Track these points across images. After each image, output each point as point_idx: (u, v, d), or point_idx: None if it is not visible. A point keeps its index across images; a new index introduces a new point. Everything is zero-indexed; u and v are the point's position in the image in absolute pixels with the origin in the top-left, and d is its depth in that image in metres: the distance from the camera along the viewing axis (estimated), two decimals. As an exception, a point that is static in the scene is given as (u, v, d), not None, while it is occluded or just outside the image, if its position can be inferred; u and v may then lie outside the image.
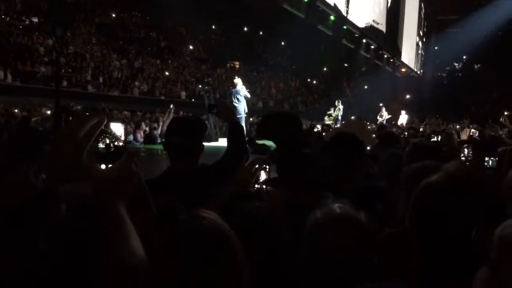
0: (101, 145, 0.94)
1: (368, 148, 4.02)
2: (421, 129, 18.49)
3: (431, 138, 7.59)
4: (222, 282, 0.88)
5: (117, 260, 0.82)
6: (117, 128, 0.99)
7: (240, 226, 1.64)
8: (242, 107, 11.10)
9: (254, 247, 1.62)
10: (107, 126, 0.93)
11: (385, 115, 18.51)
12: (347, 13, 26.30)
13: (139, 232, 0.92)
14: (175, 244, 0.88)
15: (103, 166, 0.94)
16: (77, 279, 0.90)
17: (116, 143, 0.95)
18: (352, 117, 12.89)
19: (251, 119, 18.00)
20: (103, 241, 0.84)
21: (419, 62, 42.09)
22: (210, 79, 25.81)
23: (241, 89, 11.24)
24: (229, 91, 11.55)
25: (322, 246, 1.39)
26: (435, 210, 1.14)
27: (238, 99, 11.04)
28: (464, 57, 38.85)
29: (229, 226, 1.04)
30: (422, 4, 39.78)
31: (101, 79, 19.52)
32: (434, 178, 1.18)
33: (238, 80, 11.58)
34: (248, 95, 11.58)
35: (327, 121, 16.99)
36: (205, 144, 2.54)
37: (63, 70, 17.98)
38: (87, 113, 0.91)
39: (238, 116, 10.71)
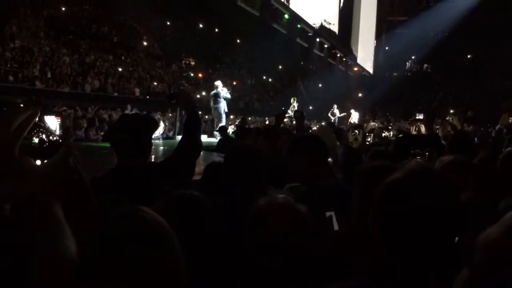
0: (35, 140, 0.91)
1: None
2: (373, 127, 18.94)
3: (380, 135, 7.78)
4: (158, 277, 0.89)
5: (47, 262, 0.80)
6: (51, 122, 0.95)
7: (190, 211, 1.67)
8: (222, 107, 11.87)
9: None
10: (41, 119, 0.90)
11: (337, 113, 18.70)
12: (287, 2, 26.21)
13: (81, 230, 0.91)
14: (110, 238, 0.88)
15: (38, 162, 0.90)
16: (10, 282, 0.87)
17: (50, 138, 0.93)
18: (323, 123, 13.33)
19: (206, 116, 17.91)
20: (34, 242, 0.81)
21: (373, 61, 43.08)
22: (191, 73, 25.50)
23: (222, 90, 11.98)
24: (212, 94, 12.27)
25: (262, 231, 1.45)
26: (398, 209, 1.11)
27: (218, 100, 11.83)
28: (413, 57, 40.25)
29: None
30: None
31: (49, 75, 18.78)
32: (396, 176, 1.16)
33: (218, 83, 12.35)
34: (229, 96, 12.27)
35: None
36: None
37: (8, 65, 17.20)
38: (20, 105, 0.87)
39: (219, 115, 11.79)
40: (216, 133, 10.91)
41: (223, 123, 11.88)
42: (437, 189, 1.11)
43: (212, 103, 12.11)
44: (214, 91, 12.16)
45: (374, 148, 3.11)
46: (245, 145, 2.37)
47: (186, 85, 24.04)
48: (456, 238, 1.10)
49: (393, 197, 1.14)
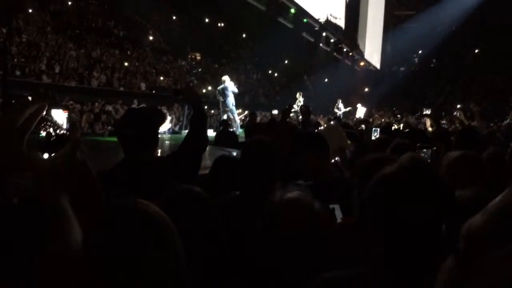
0: (42, 134, 0.91)
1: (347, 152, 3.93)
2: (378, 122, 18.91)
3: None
4: (158, 271, 0.89)
5: (54, 254, 0.80)
6: (59, 115, 0.95)
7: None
8: (230, 101, 12.30)
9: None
10: (48, 113, 0.90)
11: (341, 107, 18.64)
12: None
13: (87, 223, 0.91)
14: (110, 231, 0.89)
15: (45, 156, 0.91)
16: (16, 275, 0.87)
17: (58, 132, 0.93)
18: (331, 122, 13.36)
19: (212, 111, 17.95)
20: (40, 234, 0.81)
21: (380, 56, 42.76)
22: (200, 69, 25.57)
23: (229, 85, 12.35)
24: (219, 88, 12.64)
25: (276, 224, 1.47)
26: (387, 202, 1.16)
27: (226, 94, 12.24)
28: (420, 51, 39.98)
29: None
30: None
31: (56, 69, 18.86)
32: (388, 170, 1.21)
33: (225, 77, 12.67)
34: (236, 90, 12.65)
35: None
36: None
37: (15, 60, 17.28)
38: (28, 99, 0.87)
39: (227, 109, 12.30)
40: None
41: (235, 116, 12.39)
42: (426, 182, 1.15)
43: (220, 98, 12.53)
44: (222, 86, 12.48)
45: (397, 141, 3.08)
46: (262, 141, 2.35)
47: (196, 81, 24.09)
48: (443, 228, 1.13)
49: (384, 189, 1.18)
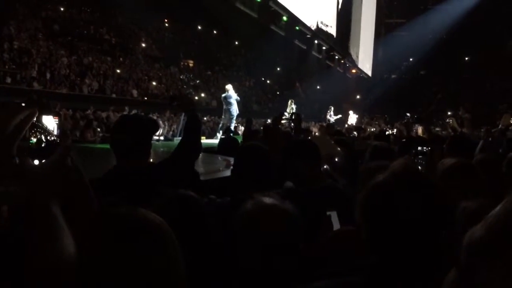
0: (32, 140, 0.90)
1: (336, 159, 3.92)
2: (372, 129, 19.02)
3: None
4: (157, 277, 0.89)
5: (45, 261, 0.79)
6: (49, 122, 0.94)
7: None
8: (234, 109, 12.52)
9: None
10: (39, 119, 0.89)
11: (332, 114, 18.70)
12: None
13: (80, 229, 0.90)
14: (110, 238, 0.88)
15: (36, 163, 0.90)
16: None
17: (48, 138, 0.92)
18: (317, 134, 13.43)
19: (205, 118, 17.95)
20: (31, 242, 0.80)
21: (371, 63, 43.08)
22: (198, 81, 25.50)
23: (232, 93, 12.61)
24: (223, 97, 12.79)
25: (252, 235, 1.44)
26: (381, 209, 1.16)
27: (230, 103, 12.43)
28: (411, 59, 40.31)
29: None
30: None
31: (48, 76, 18.76)
32: (380, 178, 1.20)
33: (229, 86, 13.00)
34: (238, 98, 12.89)
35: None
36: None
37: (6, 67, 17.19)
38: (18, 105, 0.86)
39: (230, 117, 12.47)
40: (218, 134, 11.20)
41: (232, 125, 12.44)
42: (418, 189, 1.14)
43: (224, 106, 12.65)
44: (225, 94, 12.66)
45: (374, 143, 3.07)
46: (255, 146, 2.33)
47: (194, 93, 24.13)
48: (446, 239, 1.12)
49: (376, 197, 1.18)
